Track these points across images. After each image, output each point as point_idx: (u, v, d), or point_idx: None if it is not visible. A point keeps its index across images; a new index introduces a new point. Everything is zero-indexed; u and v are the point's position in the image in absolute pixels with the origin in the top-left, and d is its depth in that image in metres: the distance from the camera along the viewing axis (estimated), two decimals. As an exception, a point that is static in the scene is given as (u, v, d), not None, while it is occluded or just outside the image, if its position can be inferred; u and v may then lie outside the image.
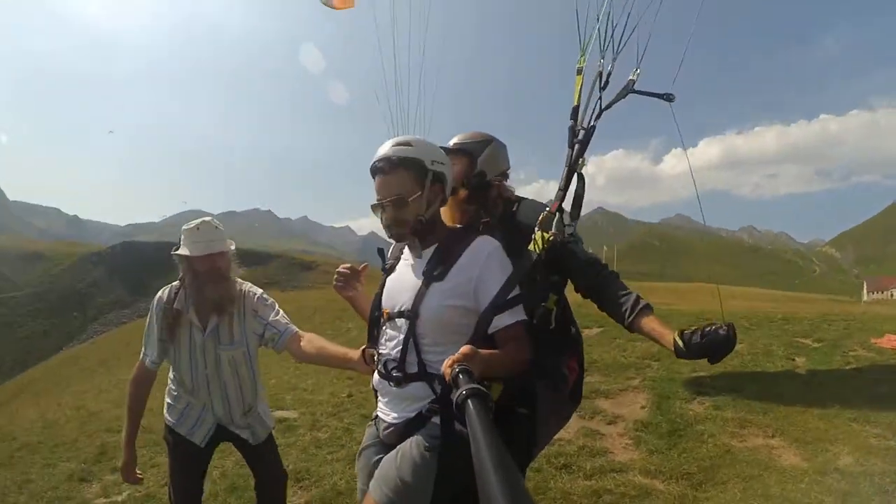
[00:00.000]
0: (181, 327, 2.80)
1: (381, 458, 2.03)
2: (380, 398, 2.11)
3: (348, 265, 2.40)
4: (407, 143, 1.96)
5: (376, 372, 2.08)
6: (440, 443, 1.87)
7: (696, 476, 4.07)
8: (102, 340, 33.12)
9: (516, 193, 2.48)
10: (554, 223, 2.08)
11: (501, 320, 1.89)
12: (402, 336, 1.95)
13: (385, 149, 1.96)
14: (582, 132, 2.22)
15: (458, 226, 2.17)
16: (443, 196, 2.02)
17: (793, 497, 3.68)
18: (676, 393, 6.29)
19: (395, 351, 1.97)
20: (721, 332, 1.78)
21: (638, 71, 2.03)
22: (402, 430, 1.96)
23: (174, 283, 2.86)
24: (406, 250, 2.13)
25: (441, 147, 2.24)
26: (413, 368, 1.93)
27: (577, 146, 2.15)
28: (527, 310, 2.00)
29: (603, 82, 2.12)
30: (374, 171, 1.98)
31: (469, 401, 1.23)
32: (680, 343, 1.84)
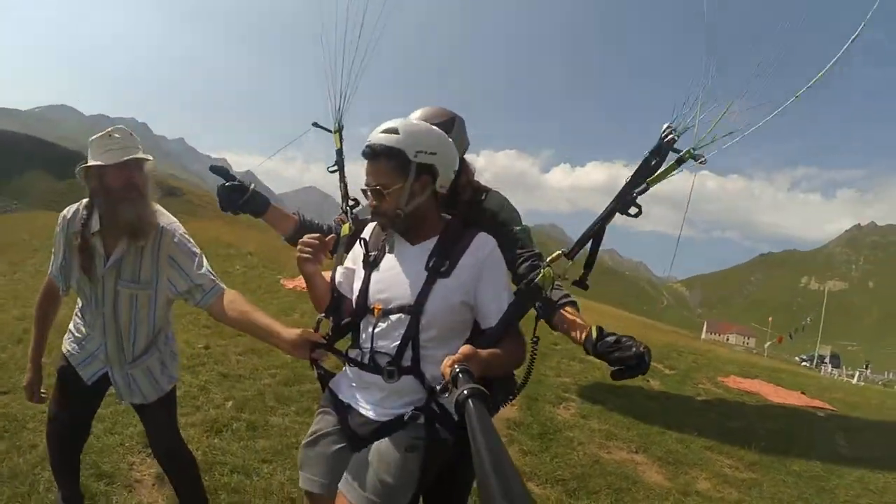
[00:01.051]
0: (84, 243, 2.41)
1: (342, 448, 1.97)
2: (356, 388, 2.01)
3: (316, 234, 2.11)
4: (393, 131, 1.82)
5: (355, 365, 1.99)
6: (424, 443, 1.83)
7: (569, 483, 4.08)
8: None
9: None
10: (564, 268, 1.95)
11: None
12: (401, 331, 1.88)
13: (373, 134, 1.85)
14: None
15: (450, 217, 2.04)
16: (432, 188, 1.90)
17: (659, 514, 3.76)
18: (544, 396, 6.38)
19: (391, 346, 1.90)
20: (635, 350, 1.73)
21: (675, 135, 1.81)
22: (380, 428, 1.89)
23: (84, 201, 2.44)
24: (394, 242, 2.02)
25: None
26: (407, 363, 1.88)
27: (619, 208, 1.93)
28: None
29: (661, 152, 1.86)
30: (363, 155, 1.89)
31: (469, 401, 1.24)
32: (594, 335, 1.81)
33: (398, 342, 1.88)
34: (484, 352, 1.63)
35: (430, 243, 1.94)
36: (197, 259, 2.49)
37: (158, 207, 2.50)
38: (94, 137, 2.30)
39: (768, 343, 56.86)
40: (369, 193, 1.90)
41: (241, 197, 2.36)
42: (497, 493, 0.88)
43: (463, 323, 1.93)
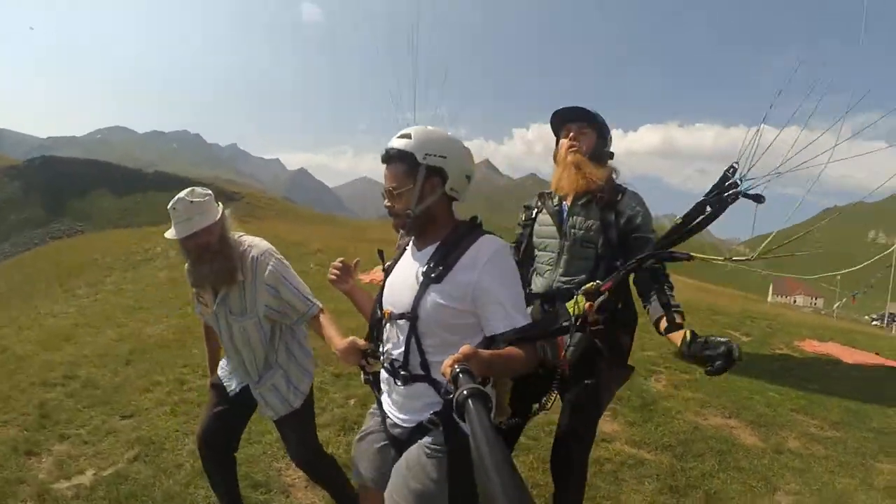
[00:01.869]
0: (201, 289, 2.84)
1: (385, 445, 2.12)
2: (385, 394, 2.13)
3: (341, 259, 2.41)
4: (406, 136, 1.91)
5: (382, 369, 2.09)
6: (445, 448, 1.89)
7: (676, 448, 4.66)
8: (14, 264, 29.99)
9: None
10: (598, 301, 2.12)
11: (507, 324, 1.85)
12: (403, 337, 1.94)
13: (391, 140, 1.95)
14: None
15: (463, 221, 2.05)
16: (442, 190, 1.93)
17: (760, 470, 4.36)
18: (635, 370, 6.88)
19: (398, 352, 1.97)
20: (724, 348, 1.94)
21: (747, 171, 1.93)
22: (410, 433, 1.99)
23: None
24: (407, 249, 2.12)
25: (569, 108, 2.63)
26: (417, 370, 1.94)
27: (666, 245, 2.14)
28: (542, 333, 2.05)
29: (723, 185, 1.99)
30: (381, 159, 1.99)
31: (469, 401, 1.25)
32: (688, 338, 2.05)
33: (403, 348, 1.94)
34: (485, 352, 1.65)
35: (433, 248, 1.97)
36: (290, 286, 2.72)
37: (251, 240, 2.81)
38: (168, 207, 2.56)
39: (837, 303, 55.25)
40: (385, 196, 1.98)
41: None
42: (498, 493, 0.91)
43: (466, 327, 1.90)
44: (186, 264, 2.78)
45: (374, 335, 2.13)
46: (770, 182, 1.95)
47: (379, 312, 2.09)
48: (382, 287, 2.11)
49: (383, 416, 2.11)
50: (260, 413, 2.97)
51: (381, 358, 2.05)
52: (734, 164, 1.95)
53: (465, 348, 1.53)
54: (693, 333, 2.04)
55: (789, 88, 1.90)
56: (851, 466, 4.58)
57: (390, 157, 1.92)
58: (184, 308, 9.28)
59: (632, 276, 2.43)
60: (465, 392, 1.27)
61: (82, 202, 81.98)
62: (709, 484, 4.12)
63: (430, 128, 1.96)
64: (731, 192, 1.96)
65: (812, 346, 10.08)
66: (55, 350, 7.38)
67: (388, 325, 2.01)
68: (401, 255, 2.14)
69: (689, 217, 2.03)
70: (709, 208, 1.99)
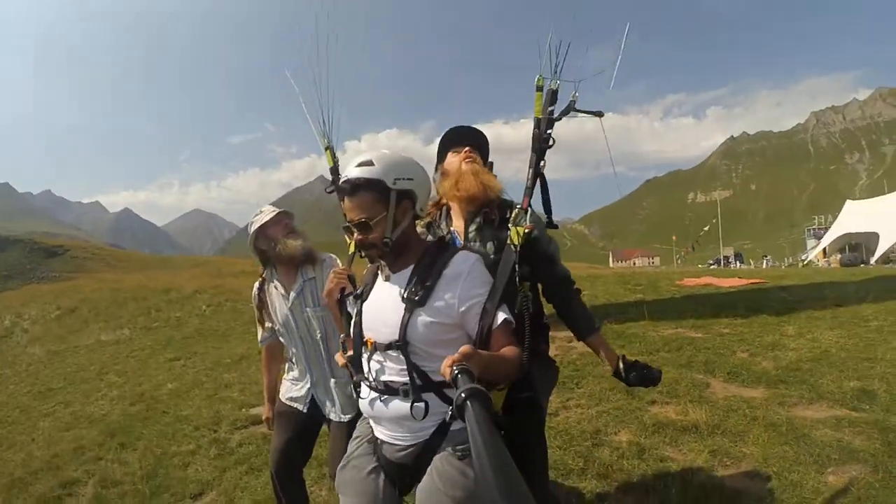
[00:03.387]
0: (271, 301, 2.99)
1: (374, 469, 1.97)
2: (377, 421, 2.00)
3: (342, 268, 2.38)
4: (368, 163, 1.85)
5: (370, 397, 1.97)
6: None
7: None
8: None
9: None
10: (527, 218, 2.19)
11: (493, 321, 1.87)
12: (402, 366, 1.87)
13: (349, 170, 1.87)
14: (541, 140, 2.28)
15: (432, 240, 2.12)
16: (413, 212, 1.94)
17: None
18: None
19: (401, 378, 1.87)
20: (654, 374, 2.26)
21: (576, 93, 2.21)
22: (424, 449, 1.88)
23: (261, 277, 3.07)
24: (378, 274, 2.07)
25: (457, 129, 2.47)
26: (423, 385, 1.85)
27: (539, 151, 2.25)
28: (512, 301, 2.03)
29: (553, 99, 2.23)
30: (340, 192, 1.94)
31: (469, 401, 1.21)
32: (621, 367, 2.27)
33: (406, 376, 1.85)
34: (484, 352, 1.64)
35: (409, 271, 1.94)
36: None
37: (313, 250, 2.99)
38: (253, 217, 2.93)
39: (677, 256, 61.60)
40: (354, 228, 1.90)
41: None
42: (498, 495, 0.89)
43: (456, 340, 1.85)
44: (276, 246, 2.89)
45: (359, 362, 2.03)
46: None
47: (362, 340, 2.00)
48: (359, 314, 2.05)
49: (375, 442, 2.01)
50: (327, 416, 2.93)
51: (370, 385, 1.96)
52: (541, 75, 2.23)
53: (464, 348, 1.50)
54: (625, 360, 2.30)
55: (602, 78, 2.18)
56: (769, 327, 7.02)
57: (356, 188, 1.85)
58: (105, 378, 8.86)
59: (541, 287, 2.44)
60: (464, 393, 1.24)
61: None
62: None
63: (386, 151, 1.91)
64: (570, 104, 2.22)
65: (693, 282, 12.60)
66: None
67: (374, 353, 1.95)
68: (373, 280, 2.08)
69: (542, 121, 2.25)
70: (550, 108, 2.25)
